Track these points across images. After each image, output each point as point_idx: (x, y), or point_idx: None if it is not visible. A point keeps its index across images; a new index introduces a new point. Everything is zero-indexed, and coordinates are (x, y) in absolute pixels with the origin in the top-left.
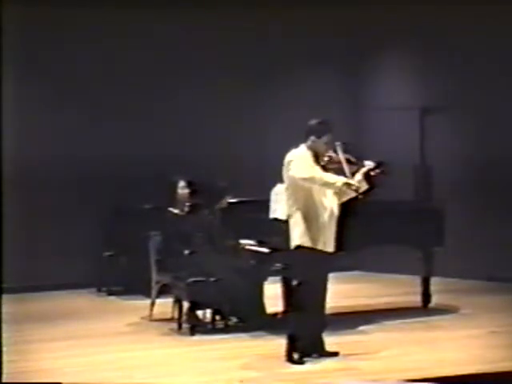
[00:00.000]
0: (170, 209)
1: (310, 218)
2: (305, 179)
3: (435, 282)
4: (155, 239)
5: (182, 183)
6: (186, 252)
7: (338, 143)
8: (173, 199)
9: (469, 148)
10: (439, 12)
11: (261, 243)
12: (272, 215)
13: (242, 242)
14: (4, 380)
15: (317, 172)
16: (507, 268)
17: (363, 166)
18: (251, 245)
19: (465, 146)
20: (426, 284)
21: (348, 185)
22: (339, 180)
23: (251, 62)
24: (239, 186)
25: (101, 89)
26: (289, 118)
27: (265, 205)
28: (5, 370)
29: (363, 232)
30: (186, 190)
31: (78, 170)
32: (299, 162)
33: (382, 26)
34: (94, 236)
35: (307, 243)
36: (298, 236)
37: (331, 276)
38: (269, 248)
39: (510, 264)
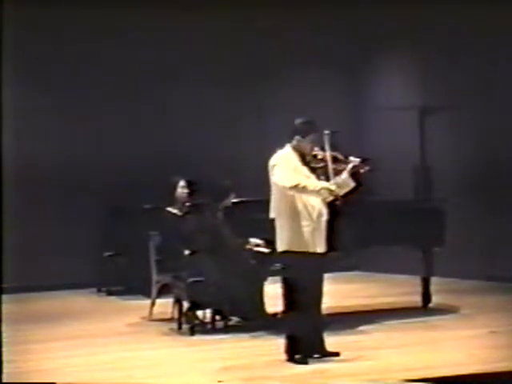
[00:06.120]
0: (169, 209)
1: (298, 221)
2: (287, 188)
3: (435, 282)
4: (155, 239)
5: (182, 183)
6: (186, 252)
7: (326, 132)
8: (173, 199)
9: (469, 148)
10: (439, 12)
11: (268, 242)
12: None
13: (251, 240)
14: (4, 380)
15: (299, 179)
16: (507, 268)
17: (350, 162)
18: (258, 245)
19: (465, 146)
20: (425, 284)
21: (328, 189)
22: (319, 185)
23: (251, 62)
24: (241, 185)
25: (101, 90)
26: (289, 118)
27: (267, 205)
28: (5, 370)
29: (363, 232)
30: (186, 190)
31: (78, 170)
32: (283, 167)
33: (382, 26)
34: (94, 236)
35: (295, 248)
36: (285, 241)
37: (331, 276)
38: (272, 248)
39: (509, 264)
